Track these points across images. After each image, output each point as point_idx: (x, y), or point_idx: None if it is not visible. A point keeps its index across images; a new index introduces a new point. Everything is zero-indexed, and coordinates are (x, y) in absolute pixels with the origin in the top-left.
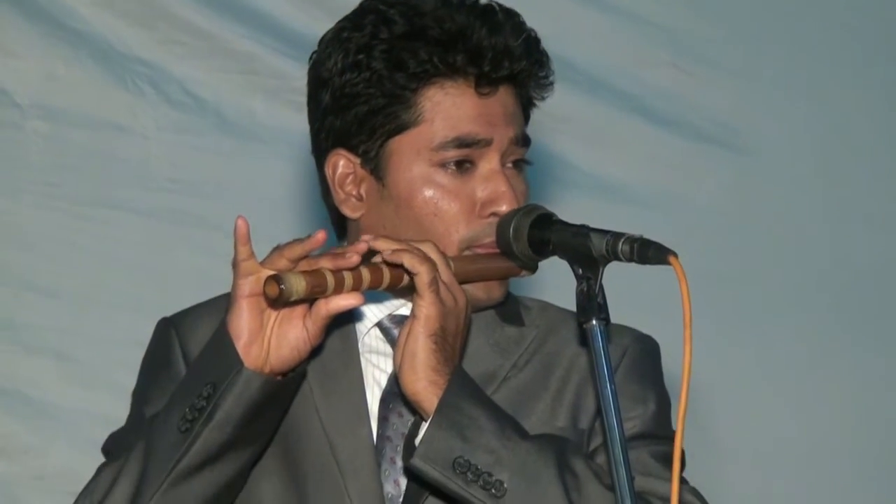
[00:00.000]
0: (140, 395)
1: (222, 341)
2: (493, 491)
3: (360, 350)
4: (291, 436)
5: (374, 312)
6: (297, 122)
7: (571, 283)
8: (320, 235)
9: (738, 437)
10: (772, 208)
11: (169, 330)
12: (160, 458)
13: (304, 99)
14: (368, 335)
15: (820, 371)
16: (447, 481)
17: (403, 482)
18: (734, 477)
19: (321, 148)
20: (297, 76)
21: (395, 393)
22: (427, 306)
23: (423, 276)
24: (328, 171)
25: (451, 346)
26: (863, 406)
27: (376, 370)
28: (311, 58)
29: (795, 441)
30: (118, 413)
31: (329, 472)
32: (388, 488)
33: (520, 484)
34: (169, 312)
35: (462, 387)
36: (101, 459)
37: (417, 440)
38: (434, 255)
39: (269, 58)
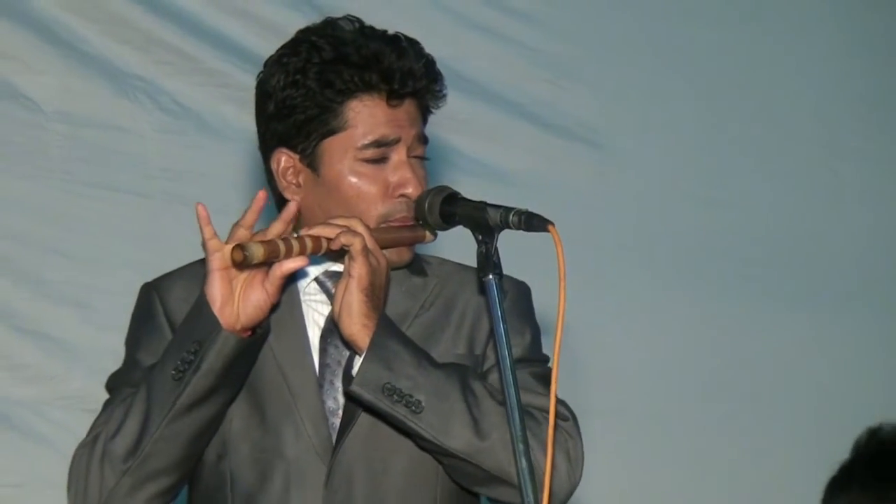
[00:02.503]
0: (131, 343)
1: (202, 306)
2: (413, 408)
3: (302, 299)
4: (252, 370)
5: (312, 270)
6: None
7: (468, 248)
8: (260, 195)
9: (597, 364)
10: (624, 190)
11: (151, 291)
12: (160, 400)
13: None
14: (309, 287)
15: (661, 314)
16: (378, 402)
17: (341, 399)
18: (594, 396)
19: (267, 147)
20: None
21: (331, 330)
22: (359, 267)
23: (356, 246)
24: (273, 165)
25: (378, 297)
26: (695, 341)
27: (315, 313)
28: (258, 76)
29: (644, 367)
30: (122, 348)
31: (282, 394)
32: (329, 403)
33: (433, 402)
34: (160, 271)
35: (387, 329)
36: None
37: (354, 371)
38: (360, 229)
39: (238, 75)
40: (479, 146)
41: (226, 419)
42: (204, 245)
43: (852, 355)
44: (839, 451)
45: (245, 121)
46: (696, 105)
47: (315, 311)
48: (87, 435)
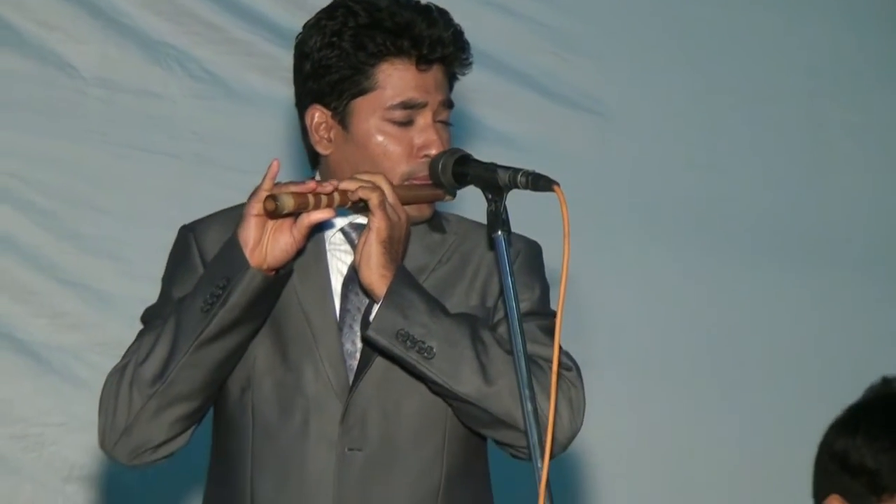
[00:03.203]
0: (167, 280)
1: (233, 246)
2: (425, 354)
3: (327, 248)
4: (277, 312)
5: (338, 222)
6: (283, 92)
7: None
8: (273, 165)
9: (599, 318)
10: (623, 156)
11: (188, 233)
12: (188, 330)
13: (288, 75)
14: (334, 237)
15: (660, 272)
16: (392, 347)
17: (359, 343)
18: (596, 348)
19: (303, 103)
20: (284, 58)
21: (352, 278)
22: (379, 221)
23: (373, 200)
24: (307, 120)
25: (396, 249)
26: (693, 298)
27: (339, 262)
28: (297, 37)
29: (643, 321)
30: (155, 298)
31: (304, 335)
32: (348, 346)
33: (444, 349)
34: None
35: (404, 279)
36: None
37: (371, 317)
38: (383, 184)
39: (263, 45)
40: (488, 113)
41: (251, 356)
42: (255, 191)
43: (849, 310)
44: (836, 398)
45: (269, 87)
46: (694, 76)
47: (339, 259)
48: (119, 361)
